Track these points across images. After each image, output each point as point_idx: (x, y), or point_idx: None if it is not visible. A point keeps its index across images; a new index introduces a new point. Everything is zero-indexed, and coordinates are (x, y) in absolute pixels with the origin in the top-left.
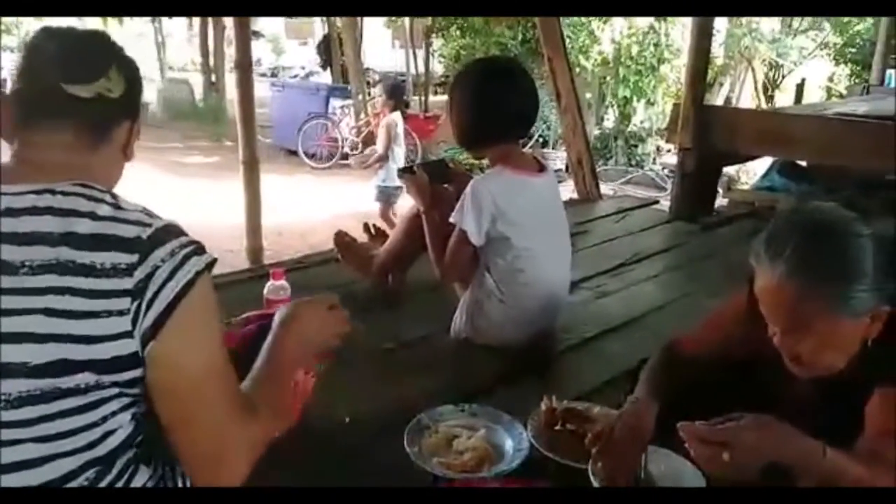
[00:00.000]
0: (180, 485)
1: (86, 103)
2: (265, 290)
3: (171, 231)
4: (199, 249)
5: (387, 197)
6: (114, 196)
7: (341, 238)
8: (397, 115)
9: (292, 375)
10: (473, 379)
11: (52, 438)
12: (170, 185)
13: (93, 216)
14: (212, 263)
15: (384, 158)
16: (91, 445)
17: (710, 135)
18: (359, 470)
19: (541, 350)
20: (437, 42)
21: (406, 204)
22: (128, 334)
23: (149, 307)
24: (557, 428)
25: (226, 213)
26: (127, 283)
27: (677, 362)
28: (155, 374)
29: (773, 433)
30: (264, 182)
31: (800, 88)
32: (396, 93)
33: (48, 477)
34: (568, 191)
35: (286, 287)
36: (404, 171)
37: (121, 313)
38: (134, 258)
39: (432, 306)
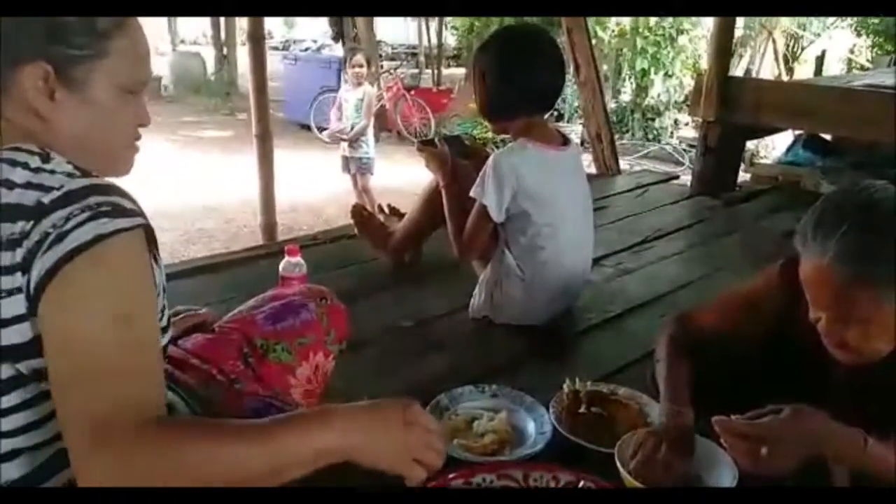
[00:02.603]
0: None
1: None
2: (280, 267)
3: (80, 194)
4: (114, 212)
5: (369, 168)
6: (45, 157)
7: (358, 212)
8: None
9: (310, 460)
10: (493, 358)
11: (19, 432)
12: (184, 160)
13: (7, 184)
14: (132, 229)
15: (364, 130)
16: (59, 436)
17: (734, 107)
18: None
19: (562, 329)
20: None
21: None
22: (32, 313)
23: (32, 275)
24: (582, 411)
25: (240, 188)
26: (18, 256)
27: (698, 341)
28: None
29: (813, 425)
30: (277, 157)
31: (820, 60)
32: (370, 63)
33: (27, 469)
34: (585, 165)
35: (301, 263)
36: (425, 144)
37: (17, 291)
38: (28, 226)
39: (450, 284)
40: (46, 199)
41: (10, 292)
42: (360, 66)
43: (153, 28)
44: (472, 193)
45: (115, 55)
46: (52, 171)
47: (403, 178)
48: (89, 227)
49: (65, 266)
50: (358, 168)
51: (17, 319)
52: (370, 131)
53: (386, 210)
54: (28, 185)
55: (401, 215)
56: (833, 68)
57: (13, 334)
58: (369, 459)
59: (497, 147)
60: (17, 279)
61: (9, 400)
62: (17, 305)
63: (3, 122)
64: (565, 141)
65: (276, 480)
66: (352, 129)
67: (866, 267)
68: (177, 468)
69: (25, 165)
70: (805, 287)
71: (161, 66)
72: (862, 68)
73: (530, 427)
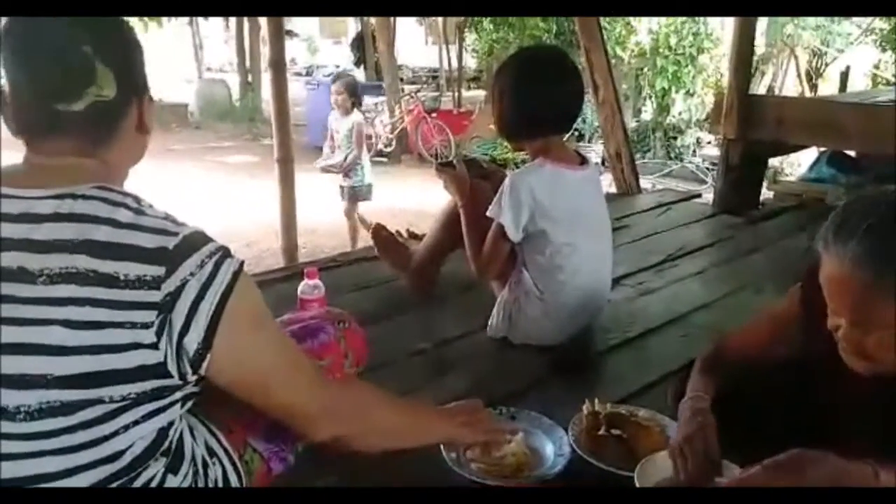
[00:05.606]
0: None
1: (84, 112)
2: (299, 290)
3: (196, 240)
4: (227, 253)
5: (363, 196)
6: (137, 200)
7: (379, 232)
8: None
9: (428, 439)
10: (511, 380)
11: (72, 450)
12: (209, 185)
13: (113, 223)
14: (241, 263)
15: (356, 160)
16: (111, 458)
17: (755, 125)
18: (395, 476)
19: (581, 350)
20: (469, 37)
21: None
22: (152, 346)
23: (189, 321)
24: (601, 433)
25: (264, 212)
26: (154, 296)
27: (725, 363)
28: (224, 381)
29: (814, 473)
30: (299, 180)
31: (844, 76)
32: (356, 91)
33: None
34: (606, 185)
35: (320, 286)
36: (443, 166)
37: (144, 326)
38: (161, 271)
39: (468, 304)
40: (169, 244)
41: (134, 325)
42: (340, 93)
43: (180, 56)
44: (489, 213)
45: None
46: (149, 215)
47: (423, 199)
48: (224, 270)
49: (227, 306)
50: (350, 195)
51: (128, 348)
52: (365, 158)
53: (405, 234)
54: (137, 227)
55: (420, 237)
56: (858, 84)
57: (120, 360)
58: (459, 440)
59: (518, 168)
60: (148, 315)
61: (78, 417)
62: (132, 337)
63: (72, 159)
64: (583, 161)
65: (405, 444)
66: (345, 159)
67: (887, 269)
68: (363, 409)
69: (126, 206)
70: (825, 291)
71: (188, 93)
72: (887, 83)
73: (549, 449)
